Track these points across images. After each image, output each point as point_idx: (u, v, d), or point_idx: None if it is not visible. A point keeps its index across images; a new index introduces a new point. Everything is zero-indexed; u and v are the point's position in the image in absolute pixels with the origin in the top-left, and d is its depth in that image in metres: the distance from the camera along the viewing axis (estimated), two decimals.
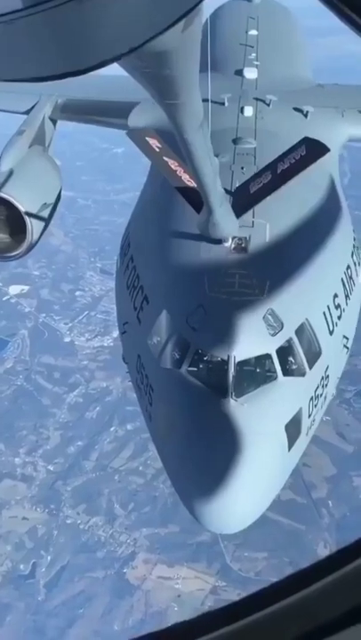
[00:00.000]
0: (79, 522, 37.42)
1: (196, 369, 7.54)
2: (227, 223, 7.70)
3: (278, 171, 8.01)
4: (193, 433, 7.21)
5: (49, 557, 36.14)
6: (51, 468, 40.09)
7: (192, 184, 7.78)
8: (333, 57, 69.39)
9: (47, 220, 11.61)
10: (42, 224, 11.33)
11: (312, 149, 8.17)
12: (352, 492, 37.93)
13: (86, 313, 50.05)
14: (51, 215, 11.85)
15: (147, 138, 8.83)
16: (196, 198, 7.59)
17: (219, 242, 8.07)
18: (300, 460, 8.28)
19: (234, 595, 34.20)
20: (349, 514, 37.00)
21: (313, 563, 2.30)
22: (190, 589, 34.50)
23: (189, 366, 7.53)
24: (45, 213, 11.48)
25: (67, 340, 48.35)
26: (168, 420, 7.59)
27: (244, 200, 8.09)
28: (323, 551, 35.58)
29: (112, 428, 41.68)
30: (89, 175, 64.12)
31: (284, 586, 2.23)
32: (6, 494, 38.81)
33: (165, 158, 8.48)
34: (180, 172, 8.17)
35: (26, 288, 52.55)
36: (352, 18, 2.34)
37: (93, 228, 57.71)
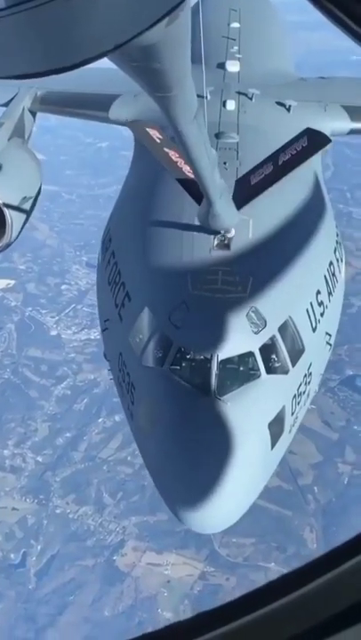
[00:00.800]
0: (69, 511, 38.11)
1: (178, 367, 7.51)
2: (227, 215, 7.64)
3: (280, 162, 8.00)
4: (175, 431, 7.21)
5: (39, 547, 36.82)
6: (39, 459, 40.70)
7: (193, 175, 7.65)
8: (318, 52, 70.44)
9: (27, 214, 11.54)
10: (22, 218, 11.25)
11: (314, 140, 8.19)
12: (337, 479, 38.97)
13: (73, 306, 50.60)
14: (31, 209, 11.71)
15: (147, 129, 8.87)
16: (197, 190, 7.51)
17: (202, 238, 8.08)
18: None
19: (222, 579, 35.20)
20: (335, 499, 38.06)
21: (310, 561, 2.26)
22: (179, 575, 35.35)
23: (172, 364, 7.50)
24: (26, 207, 11.42)
25: (53, 333, 48.92)
26: (150, 419, 7.57)
27: (244, 192, 8.03)
28: (309, 535, 36.68)
29: (100, 420, 42.39)
30: (73, 169, 64.57)
31: (281, 585, 2.21)
32: None
33: (166, 150, 8.46)
34: (182, 163, 8.13)
35: (12, 282, 52.98)
36: (336, 14, 2.31)
37: (78, 222, 58.17)
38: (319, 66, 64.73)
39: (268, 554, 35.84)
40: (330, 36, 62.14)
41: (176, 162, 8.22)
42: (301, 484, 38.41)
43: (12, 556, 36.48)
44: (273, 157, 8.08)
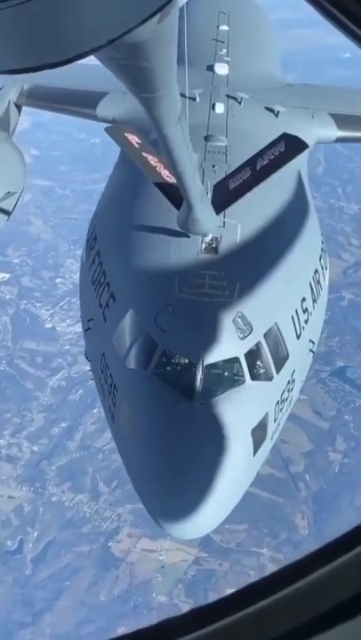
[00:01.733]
0: (64, 499, 38.98)
1: (162, 370, 7.43)
2: (207, 219, 7.61)
3: (257, 167, 8.00)
4: (157, 436, 7.13)
5: (35, 533, 37.70)
6: (35, 448, 41.56)
7: (172, 180, 7.70)
8: (309, 49, 71.60)
9: (10, 210, 11.44)
10: (4, 214, 11.23)
11: (291, 145, 8.21)
12: (328, 467, 40.06)
13: (67, 299, 51.36)
14: (15, 204, 11.68)
15: (126, 134, 8.79)
16: (175, 195, 7.52)
17: (189, 241, 8.02)
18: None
19: (215, 565, 36.19)
20: (326, 487, 39.13)
21: (305, 555, 2.24)
22: (174, 560, 36.31)
23: (156, 367, 7.42)
24: (9, 202, 11.35)
25: (48, 325, 49.74)
26: (131, 422, 7.48)
27: (223, 196, 8.02)
28: (300, 522, 37.73)
29: (95, 410, 43.09)
30: (67, 165, 65.41)
31: (277, 579, 2.20)
32: None
33: (145, 154, 8.40)
34: (160, 167, 8.12)
35: (6, 276, 53.74)
36: (329, 10, 2.30)
37: (72, 217, 58.79)
38: (311, 63, 66.35)
39: (260, 540, 36.86)
40: (321, 34, 63.42)
41: (155, 166, 8.21)
42: (293, 471, 39.45)
43: (8, 542, 37.34)
44: (251, 162, 8.10)
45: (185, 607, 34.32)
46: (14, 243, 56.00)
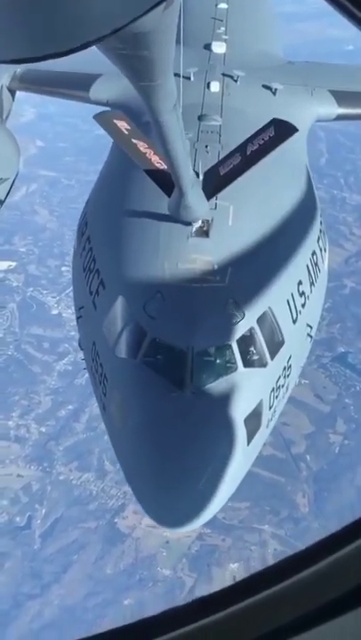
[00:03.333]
0: (71, 478, 40.53)
1: (152, 359, 7.36)
2: (198, 206, 7.52)
3: (248, 152, 7.87)
4: (148, 426, 7.08)
5: (43, 510, 39.32)
6: (43, 429, 43.14)
7: (162, 166, 7.71)
8: (313, 42, 72.88)
9: (4, 195, 11.36)
10: None
11: (281, 130, 8.04)
12: (328, 448, 41.63)
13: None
14: (9, 190, 11.54)
15: (115, 120, 8.63)
16: (166, 181, 7.48)
17: (179, 225, 7.87)
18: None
19: (218, 540, 37.79)
20: (326, 467, 40.69)
21: (308, 546, 2.26)
22: (178, 536, 37.90)
23: (145, 356, 7.34)
24: (2, 188, 11.26)
25: (54, 312, 51.32)
26: (122, 412, 7.42)
27: (214, 182, 7.91)
28: (301, 500, 39.31)
29: None
30: (72, 156, 66.82)
31: (279, 570, 2.22)
32: (1, 454, 41.87)
33: (134, 141, 8.28)
34: (150, 154, 8.05)
35: (13, 264, 55.32)
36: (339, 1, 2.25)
37: (78, 207, 60.14)
38: (314, 56, 67.78)
39: (262, 517, 38.46)
40: (325, 27, 64.95)
41: (145, 153, 8.10)
42: (294, 452, 41.01)
43: (17, 519, 38.98)
44: (241, 148, 8.00)
45: (189, 581, 36.07)
46: (21, 232, 57.85)
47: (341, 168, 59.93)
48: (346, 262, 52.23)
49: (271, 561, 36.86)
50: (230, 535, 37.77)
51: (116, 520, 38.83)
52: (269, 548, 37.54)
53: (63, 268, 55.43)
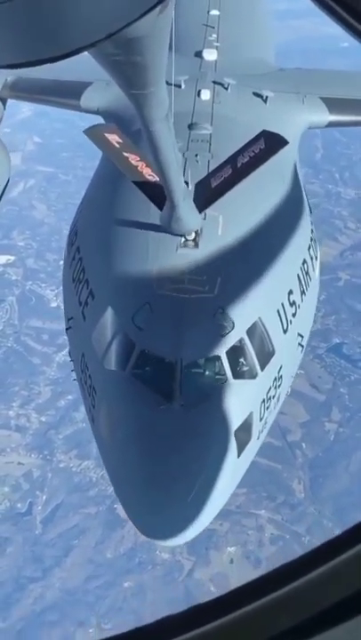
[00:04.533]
0: (72, 465, 41.70)
1: (141, 371, 7.33)
2: (190, 218, 7.49)
3: (238, 164, 7.85)
4: (136, 439, 7.03)
5: (44, 497, 40.52)
6: (43, 419, 44.34)
7: (154, 179, 7.67)
8: (307, 39, 74.40)
9: None
10: None
11: (271, 142, 7.98)
12: (324, 436, 42.96)
13: None
14: (0, 196, 11.51)
15: (106, 134, 8.55)
16: (158, 194, 7.42)
17: (168, 235, 7.82)
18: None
19: (216, 525, 38.91)
20: (321, 454, 42.03)
21: (306, 552, 2.25)
22: None
23: (134, 368, 7.31)
24: None
25: (53, 305, 52.34)
26: (111, 425, 7.39)
27: (205, 194, 7.88)
28: (297, 486, 40.60)
29: None
30: (69, 152, 68.00)
31: (277, 577, 2.21)
32: (2, 443, 43.06)
33: (126, 154, 8.22)
34: (142, 166, 8.00)
35: (12, 258, 56.54)
36: (328, 3, 2.30)
37: (75, 202, 61.49)
38: (309, 53, 69.33)
39: (258, 502, 39.74)
40: (319, 24, 66.35)
41: (136, 166, 8.07)
42: (290, 440, 42.28)
43: (18, 505, 40.20)
44: (232, 160, 7.97)
45: (187, 564, 37.32)
46: (19, 227, 59.16)
47: (336, 163, 61.43)
48: (341, 255, 53.76)
49: (267, 544, 38.25)
50: (228, 520, 38.98)
51: (115, 506, 39.85)
52: (266, 532, 38.85)
53: (61, 262, 56.48)
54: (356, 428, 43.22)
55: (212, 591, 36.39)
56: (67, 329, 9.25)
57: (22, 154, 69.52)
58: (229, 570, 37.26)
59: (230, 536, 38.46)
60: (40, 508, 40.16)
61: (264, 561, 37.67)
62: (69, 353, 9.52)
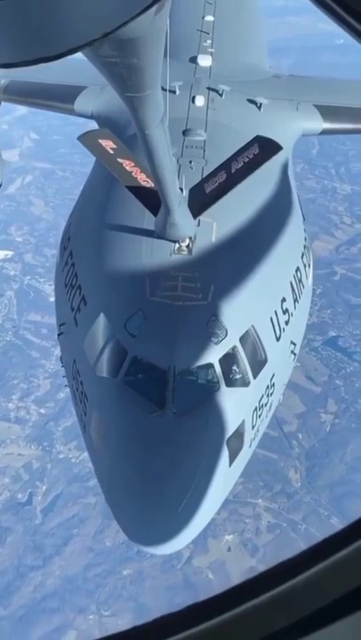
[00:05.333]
0: (71, 456, 42.62)
1: (133, 378, 7.28)
2: (185, 224, 7.51)
3: (233, 170, 7.85)
4: (128, 447, 7.00)
5: (44, 487, 41.46)
6: (42, 411, 45.26)
7: (148, 184, 7.69)
8: (304, 36, 75.44)
9: None
10: None
11: (265, 148, 8.01)
12: (319, 427, 44.00)
13: None
14: None
15: (100, 140, 8.54)
16: (152, 200, 7.43)
17: (162, 241, 7.82)
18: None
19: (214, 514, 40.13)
20: (317, 444, 43.07)
21: (303, 550, 2.24)
22: None
23: (126, 375, 7.27)
24: None
25: (51, 299, 52.60)
26: (102, 433, 7.36)
27: (200, 200, 7.86)
28: (294, 476, 41.60)
29: None
30: (66, 148, 68.82)
31: (275, 575, 2.21)
32: (2, 434, 43.99)
33: (120, 160, 8.22)
34: (136, 172, 7.99)
35: (10, 253, 57.45)
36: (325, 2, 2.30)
37: (72, 198, 62.04)
38: (305, 49, 70.40)
39: (255, 492, 40.71)
40: (315, 21, 67.42)
41: (130, 172, 8.06)
42: (287, 431, 43.25)
43: (19, 495, 41.12)
44: (226, 166, 7.98)
45: (185, 551, 38.10)
46: (17, 222, 60.12)
47: (332, 159, 62.63)
48: (337, 250, 54.91)
49: (264, 532, 39.19)
50: (225, 509, 39.82)
51: None
52: (263, 520, 39.80)
53: None
54: (351, 419, 44.34)
55: (210, 578, 37.34)
56: (58, 335, 9.15)
57: (20, 150, 70.61)
58: (227, 557, 38.21)
59: (228, 524, 39.38)
60: (40, 498, 41.06)
61: (261, 548, 38.67)
62: (61, 359, 9.41)
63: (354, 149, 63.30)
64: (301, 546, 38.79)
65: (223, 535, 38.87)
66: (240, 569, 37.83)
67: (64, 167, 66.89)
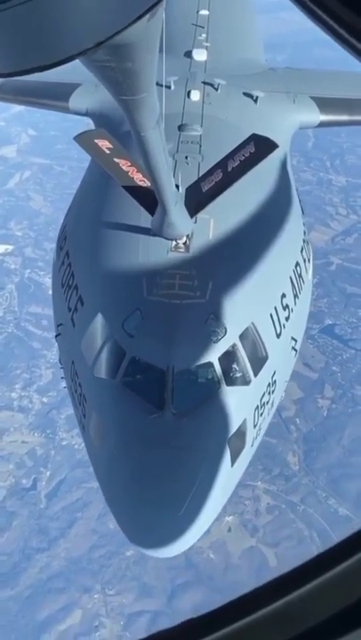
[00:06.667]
0: (74, 443, 44.12)
1: (132, 379, 7.25)
2: (182, 223, 7.46)
3: (229, 168, 7.80)
4: (128, 449, 6.96)
5: (48, 473, 43.03)
6: (45, 400, 46.84)
7: (145, 184, 7.69)
8: (297, 31, 76.95)
9: None
10: None
11: (261, 146, 7.94)
12: (317, 412, 45.61)
13: None
14: None
15: (96, 140, 8.48)
16: (148, 199, 7.40)
17: (159, 239, 7.74)
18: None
19: None
20: (315, 429, 44.68)
21: (305, 561, 2.21)
22: None
23: (124, 376, 7.24)
24: None
25: (51, 292, 54.99)
26: (102, 435, 7.30)
27: (196, 199, 7.81)
28: (292, 459, 43.22)
29: None
30: (63, 144, 70.30)
31: (265, 593, 2.18)
32: (5, 423, 45.59)
33: (116, 160, 8.18)
34: (133, 172, 7.97)
35: (10, 247, 59.07)
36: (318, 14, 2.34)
37: (71, 192, 63.49)
38: (299, 44, 71.98)
39: (255, 475, 42.30)
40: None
41: (127, 171, 8.01)
42: (285, 416, 44.85)
43: (23, 481, 42.68)
44: (222, 164, 7.91)
45: None
46: (16, 217, 61.71)
47: (328, 151, 64.27)
48: (332, 240, 56.61)
49: (264, 513, 40.75)
50: None
51: None
52: (262, 502, 41.39)
53: None
54: (347, 404, 45.99)
55: (212, 558, 38.90)
56: (56, 335, 9.09)
57: (17, 147, 72.23)
58: (227, 537, 39.78)
59: (228, 506, 40.43)
60: (44, 483, 42.61)
61: (261, 529, 40.24)
62: (59, 360, 9.30)
63: (349, 142, 64.97)
64: (300, 527, 40.53)
65: (223, 517, 40.31)
66: (240, 548, 39.45)
67: (62, 162, 68.40)
